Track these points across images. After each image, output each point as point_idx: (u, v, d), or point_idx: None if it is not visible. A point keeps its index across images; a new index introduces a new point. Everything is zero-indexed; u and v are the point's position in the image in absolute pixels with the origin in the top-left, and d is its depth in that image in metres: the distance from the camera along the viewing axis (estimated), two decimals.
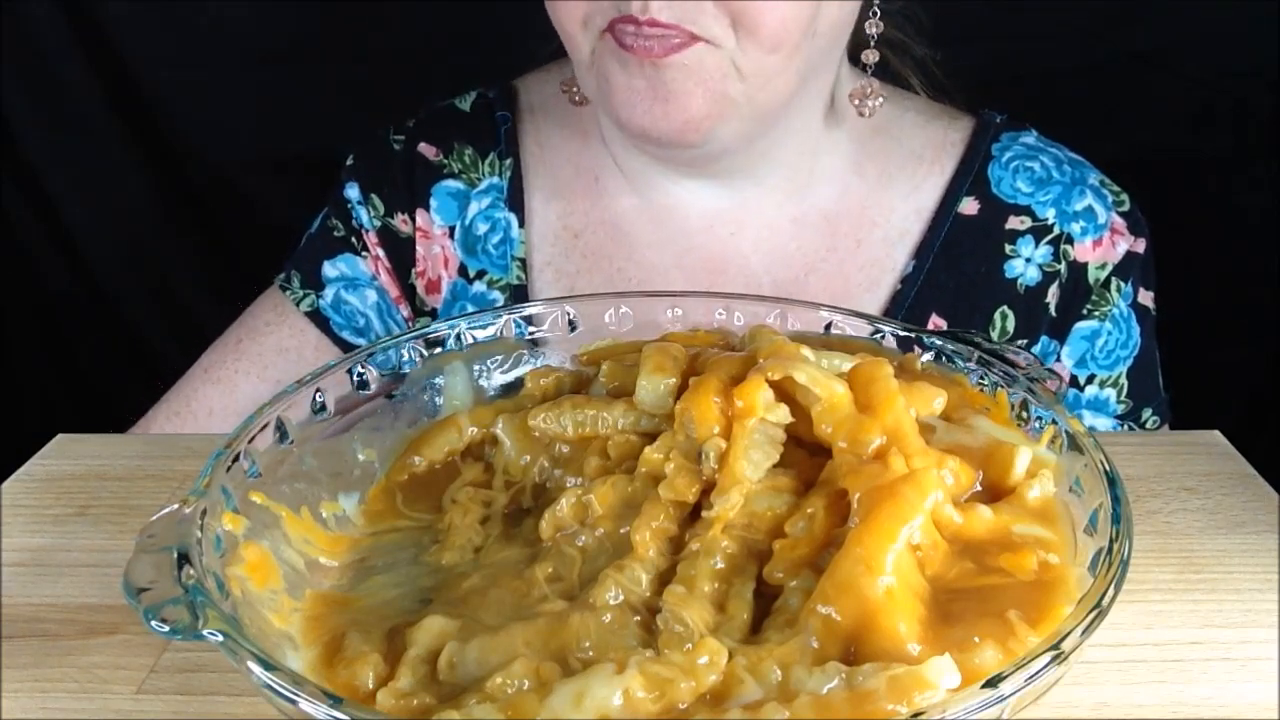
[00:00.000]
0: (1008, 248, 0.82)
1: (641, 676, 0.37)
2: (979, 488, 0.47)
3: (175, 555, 0.40)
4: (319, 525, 0.50)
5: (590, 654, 0.40)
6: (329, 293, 0.87)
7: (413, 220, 0.86)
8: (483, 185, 0.86)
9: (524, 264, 0.85)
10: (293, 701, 0.35)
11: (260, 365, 0.85)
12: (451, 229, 0.86)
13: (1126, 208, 0.83)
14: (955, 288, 0.82)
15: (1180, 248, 0.88)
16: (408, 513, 0.52)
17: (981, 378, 0.53)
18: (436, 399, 0.57)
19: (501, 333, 0.59)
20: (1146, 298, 0.84)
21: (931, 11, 0.82)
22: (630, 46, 0.67)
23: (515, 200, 0.85)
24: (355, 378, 0.54)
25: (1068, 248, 0.82)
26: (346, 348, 0.86)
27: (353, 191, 0.87)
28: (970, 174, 0.83)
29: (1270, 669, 0.47)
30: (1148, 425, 0.84)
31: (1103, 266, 0.82)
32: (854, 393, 0.46)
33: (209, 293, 1.23)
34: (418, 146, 0.87)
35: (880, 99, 0.79)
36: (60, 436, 0.65)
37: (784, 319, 0.59)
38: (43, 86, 1.13)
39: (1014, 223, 0.82)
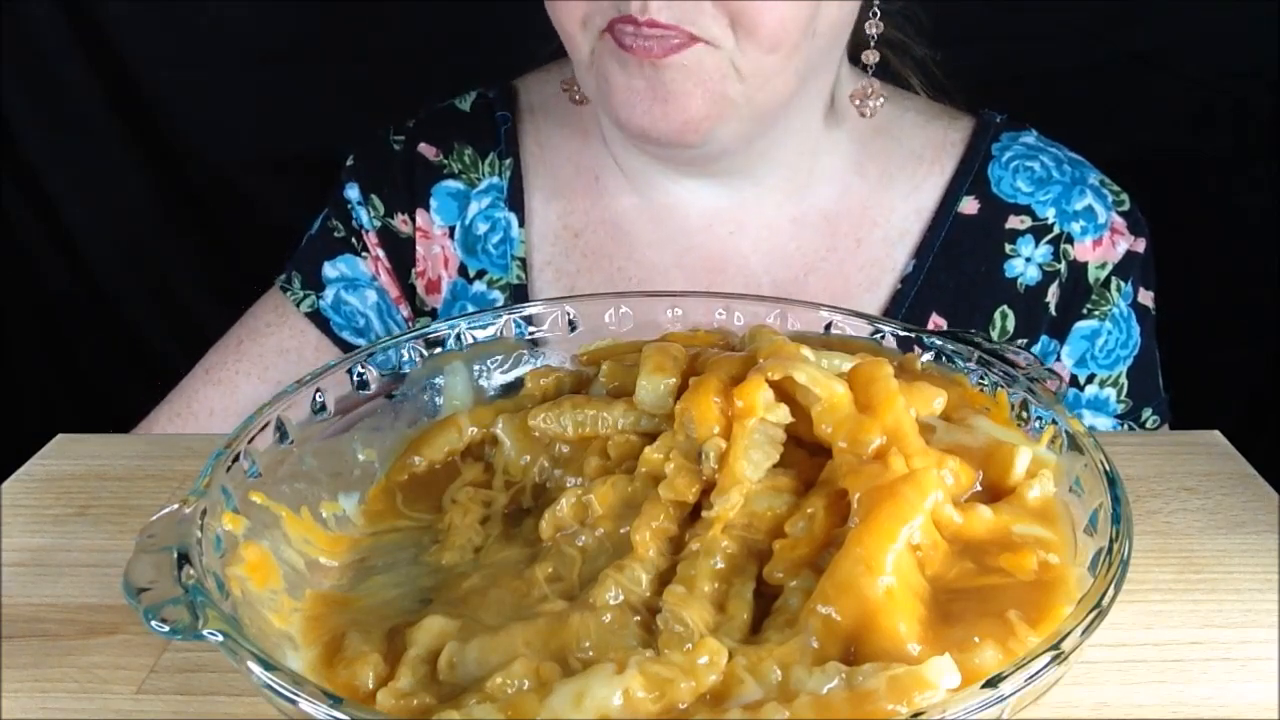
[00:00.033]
0: (1008, 247, 0.82)
1: (641, 676, 0.37)
2: (979, 488, 0.47)
3: (175, 555, 0.40)
4: (319, 525, 0.50)
5: (590, 654, 0.40)
6: (329, 293, 0.87)
7: (413, 220, 0.86)
8: (482, 185, 0.86)
9: (524, 263, 0.85)
10: (293, 701, 0.35)
11: (261, 366, 0.85)
12: (451, 229, 0.86)
13: (1126, 207, 0.83)
14: (955, 287, 0.82)
15: (1180, 248, 0.88)
16: (408, 513, 0.52)
17: (981, 378, 0.53)
18: (436, 399, 0.57)
19: (501, 333, 0.59)
20: (1146, 297, 0.84)
21: (931, 11, 0.82)
22: (629, 47, 0.67)
23: (515, 200, 0.85)
24: (355, 378, 0.54)
25: (1068, 247, 0.82)
26: (347, 348, 0.86)
27: (353, 192, 0.87)
28: (970, 174, 0.83)
29: (1270, 669, 0.47)
30: (1148, 425, 0.84)
31: (1103, 266, 0.82)
32: (854, 393, 0.46)
33: (209, 293, 1.23)
34: (418, 147, 0.87)
35: (881, 99, 0.79)
36: (60, 436, 0.65)
37: (784, 319, 0.59)
38: (43, 86, 1.13)
39: (1014, 222, 0.82)
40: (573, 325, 0.59)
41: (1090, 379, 0.83)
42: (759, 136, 0.76)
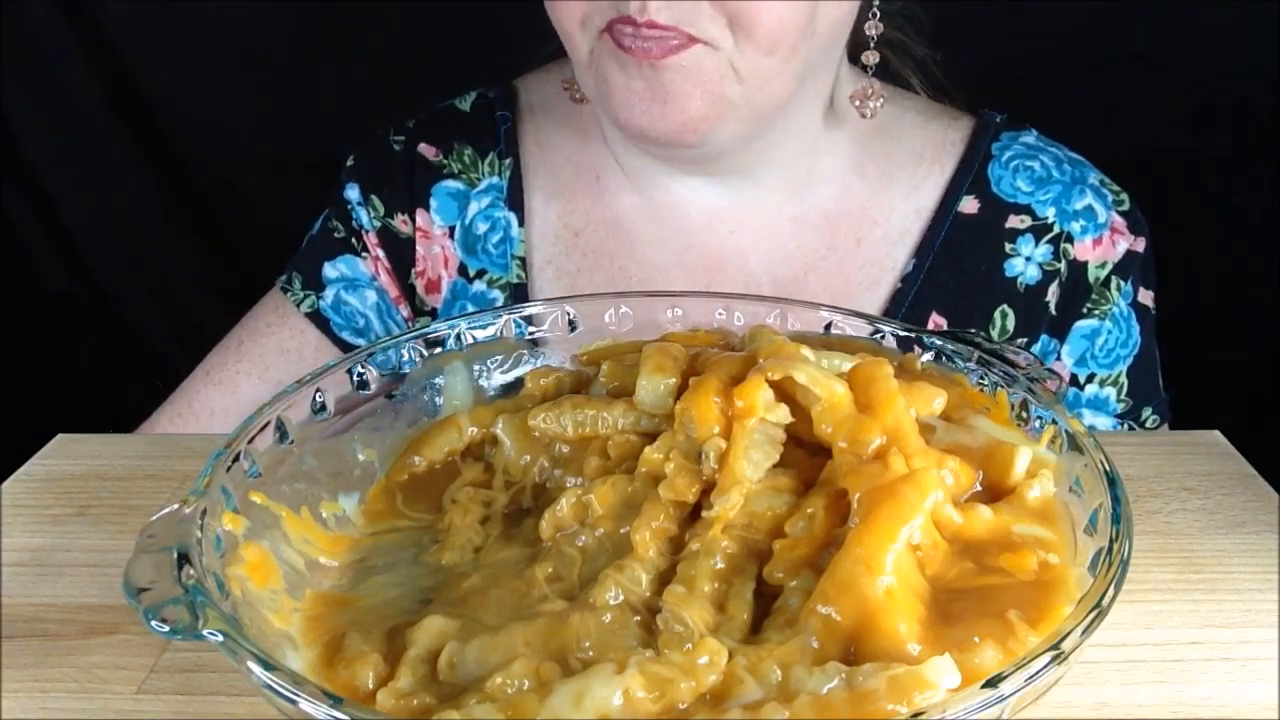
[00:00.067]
0: (1008, 246, 0.82)
1: (641, 676, 0.37)
2: (979, 488, 0.47)
3: (175, 555, 0.40)
4: (319, 525, 0.50)
5: (590, 654, 0.40)
6: (329, 293, 0.87)
7: (412, 220, 0.86)
8: (482, 185, 0.86)
9: (524, 263, 0.85)
10: (293, 701, 0.35)
11: (261, 366, 0.85)
12: (451, 229, 0.86)
13: (1126, 207, 0.83)
14: (955, 286, 0.82)
15: (1180, 248, 0.88)
16: (408, 513, 0.52)
17: (981, 378, 0.53)
18: (436, 399, 0.57)
19: (501, 333, 0.59)
20: (1146, 297, 0.84)
21: (931, 11, 0.82)
22: (628, 48, 0.67)
23: (515, 199, 0.85)
24: (355, 378, 0.54)
25: (1068, 246, 0.82)
26: (346, 348, 0.86)
27: (353, 192, 0.87)
28: (970, 173, 0.83)
29: (1270, 669, 0.47)
30: (1148, 424, 0.84)
31: (1103, 265, 0.82)
32: (854, 393, 0.46)
33: (209, 293, 1.23)
34: (418, 147, 0.87)
35: (881, 100, 0.79)
36: (60, 436, 0.65)
37: (784, 319, 0.59)
38: (43, 86, 1.13)
39: (1014, 221, 0.82)
40: (573, 325, 0.59)
41: (1090, 378, 0.83)
42: (758, 137, 0.76)
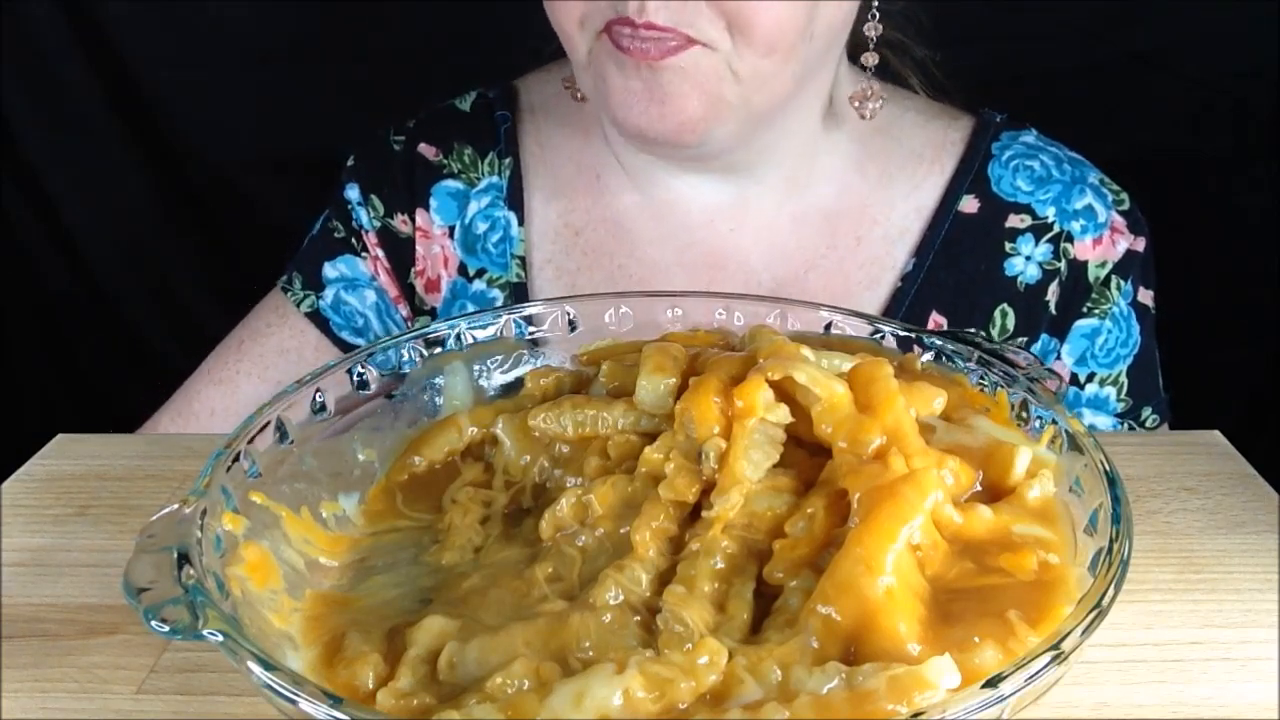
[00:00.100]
0: (1008, 246, 0.82)
1: (641, 676, 0.37)
2: (979, 488, 0.47)
3: (175, 555, 0.40)
4: (319, 525, 0.50)
5: (590, 654, 0.40)
6: (329, 293, 0.87)
7: (412, 220, 0.86)
8: (482, 185, 0.86)
9: (523, 262, 0.85)
10: (293, 701, 0.35)
11: (261, 366, 0.85)
12: (451, 229, 0.86)
13: (1126, 206, 0.83)
14: (955, 285, 0.82)
15: (1180, 248, 0.88)
16: (408, 513, 0.52)
17: (981, 378, 0.53)
18: (436, 399, 0.57)
19: (501, 333, 0.59)
20: (1146, 296, 0.84)
21: (931, 11, 0.82)
22: (626, 49, 0.67)
23: (514, 199, 0.85)
24: (355, 378, 0.54)
25: (1068, 246, 0.82)
26: (346, 348, 0.86)
27: (353, 192, 0.87)
28: (970, 172, 0.83)
29: (1270, 669, 0.47)
30: (1148, 424, 0.84)
31: (1103, 265, 0.82)
32: (854, 393, 0.46)
33: (209, 293, 1.23)
34: (417, 147, 0.87)
35: (881, 101, 0.79)
36: (60, 436, 0.65)
37: (784, 319, 0.59)
38: (43, 86, 1.13)
39: (1014, 221, 0.82)
40: (573, 325, 0.59)
41: (1090, 377, 0.83)
42: (756, 137, 0.76)
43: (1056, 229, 0.82)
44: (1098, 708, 0.45)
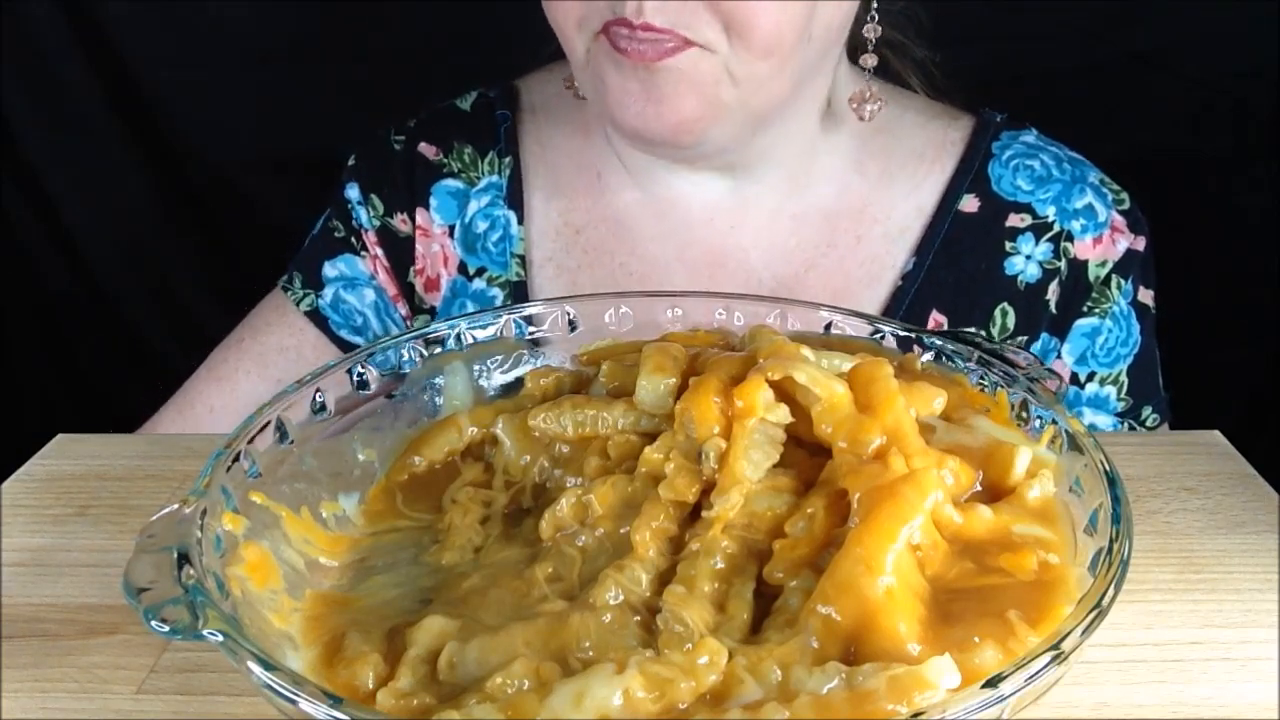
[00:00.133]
0: (1008, 245, 0.82)
1: (641, 676, 0.37)
2: (979, 488, 0.47)
3: (175, 555, 0.40)
4: (319, 525, 0.50)
5: (590, 654, 0.40)
6: (328, 292, 0.87)
7: (412, 220, 0.86)
8: (482, 184, 0.86)
9: (523, 261, 0.85)
10: (293, 701, 0.35)
11: (261, 364, 0.86)
12: (451, 228, 0.86)
13: (1126, 206, 0.83)
14: (956, 284, 0.82)
15: (1180, 248, 0.88)
16: (408, 513, 0.52)
17: (981, 378, 0.53)
18: (436, 399, 0.57)
19: (501, 333, 0.59)
20: (1146, 296, 0.84)
21: (931, 12, 0.82)
22: (624, 50, 0.68)
23: (514, 198, 0.85)
24: (355, 378, 0.54)
25: (1068, 245, 0.82)
26: (345, 346, 0.87)
27: (353, 192, 0.87)
28: (971, 172, 0.83)
29: (1270, 669, 0.47)
30: (1148, 423, 0.84)
31: (1103, 264, 0.82)
32: (854, 393, 0.46)
33: (209, 293, 1.23)
34: (418, 146, 0.87)
35: (880, 103, 0.79)
36: (60, 436, 0.65)
37: (784, 319, 0.59)
38: (43, 86, 1.13)
39: (1014, 220, 0.82)
40: (573, 325, 0.59)
41: (1090, 377, 0.83)
42: (754, 138, 0.77)
43: (1057, 228, 0.82)
44: (1098, 708, 0.45)
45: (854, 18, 0.75)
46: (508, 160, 0.86)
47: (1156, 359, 0.85)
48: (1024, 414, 0.51)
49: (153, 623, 0.38)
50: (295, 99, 1.12)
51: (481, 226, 0.86)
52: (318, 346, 0.86)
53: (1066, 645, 0.37)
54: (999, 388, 0.52)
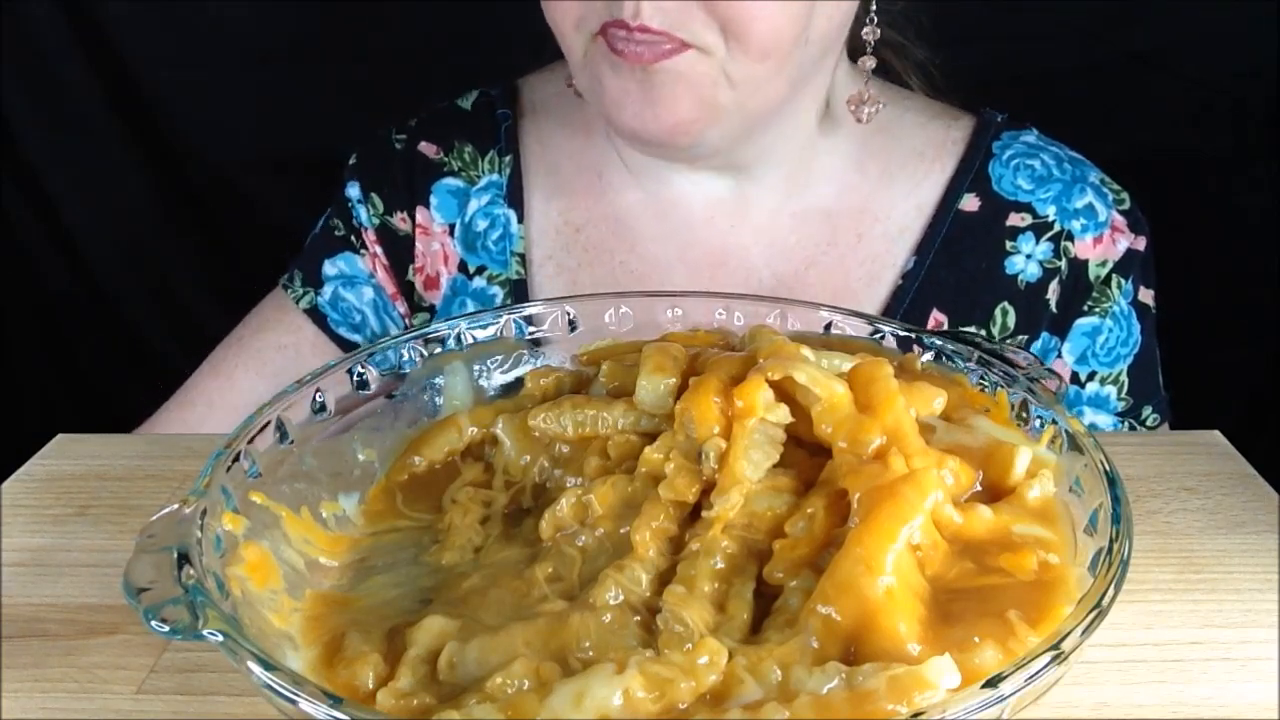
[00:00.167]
0: (1008, 244, 0.82)
1: (641, 676, 0.37)
2: (979, 488, 0.47)
3: (175, 555, 0.40)
4: (319, 525, 0.50)
5: (590, 654, 0.40)
6: (327, 290, 0.87)
7: (412, 218, 0.87)
8: (482, 182, 0.86)
9: (523, 259, 0.85)
10: (293, 701, 0.35)
11: (259, 360, 0.86)
12: (452, 226, 0.86)
13: (1127, 206, 0.83)
14: (956, 284, 0.82)
15: (1180, 248, 0.88)
16: (408, 513, 0.52)
17: (981, 378, 0.53)
18: (436, 399, 0.57)
19: (501, 333, 0.59)
20: (1147, 296, 0.84)
21: (931, 12, 0.82)
22: (621, 51, 0.68)
23: (514, 197, 0.85)
24: (355, 378, 0.54)
25: (1068, 244, 0.82)
26: (343, 344, 0.87)
27: (353, 190, 0.87)
28: (971, 171, 0.83)
29: (1270, 669, 0.47)
30: (1148, 423, 0.84)
31: (1103, 263, 0.82)
32: (854, 393, 0.46)
33: (209, 293, 1.23)
34: (418, 145, 0.87)
35: (878, 106, 0.79)
36: (60, 436, 0.65)
37: (784, 319, 0.59)
38: (43, 86, 1.13)
39: (1014, 219, 0.82)
40: (573, 325, 0.59)
41: (1091, 376, 0.83)
42: (752, 139, 0.77)
43: (1057, 228, 0.82)
44: (1098, 708, 0.45)
45: (854, 18, 0.75)
46: (508, 159, 0.86)
47: (1157, 359, 0.85)
48: (1024, 414, 0.51)
49: (153, 623, 0.38)
50: (295, 99, 1.12)
51: (481, 225, 0.86)
52: (316, 344, 0.87)
53: (1066, 645, 0.37)
54: (999, 388, 0.52)
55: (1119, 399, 0.83)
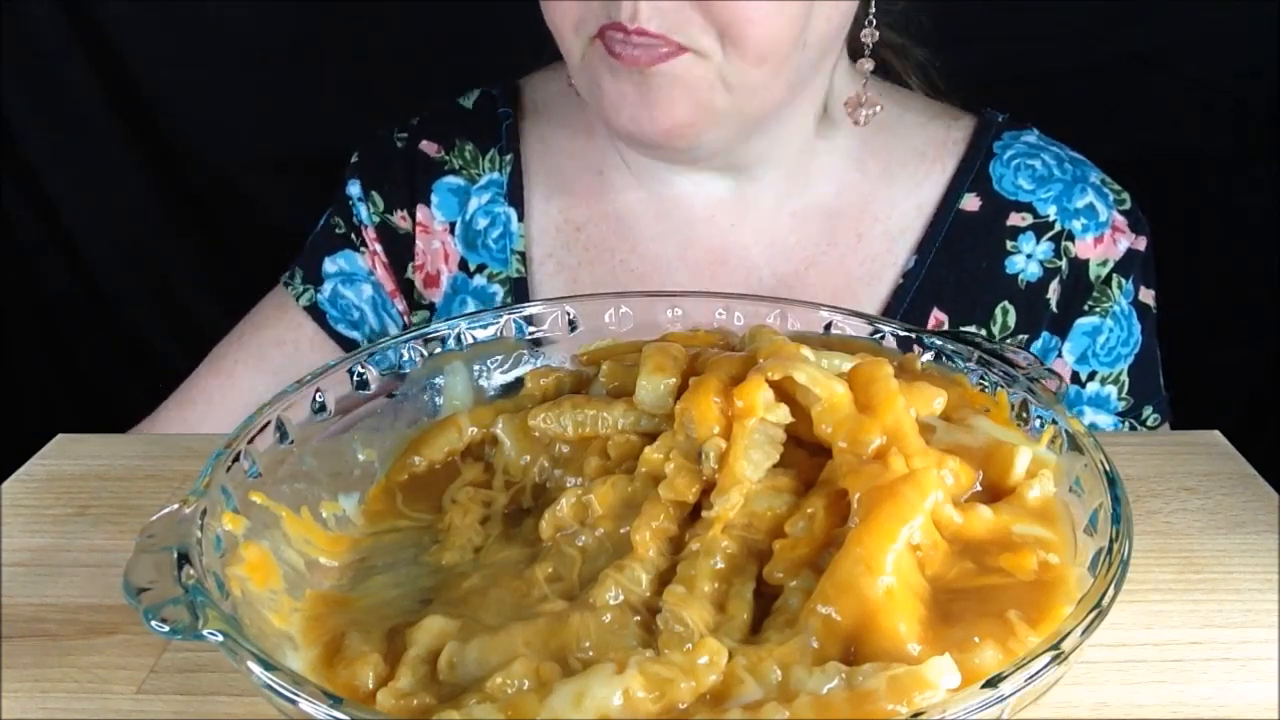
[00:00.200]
0: (1009, 244, 0.82)
1: (641, 676, 0.37)
2: (979, 488, 0.47)
3: (175, 555, 0.40)
4: (319, 525, 0.50)
5: (590, 654, 0.40)
6: (327, 287, 0.88)
7: (412, 217, 0.87)
8: (483, 181, 0.87)
9: (523, 257, 0.85)
10: (293, 701, 0.35)
11: (259, 357, 0.86)
12: (452, 224, 0.86)
13: (1127, 206, 0.83)
14: (956, 283, 0.82)
15: (1180, 248, 0.88)
16: (408, 513, 0.52)
17: (981, 378, 0.53)
18: (436, 399, 0.57)
19: (501, 333, 0.59)
20: (1147, 296, 0.84)
21: (931, 12, 0.82)
22: (618, 54, 0.68)
23: (515, 195, 0.86)
24: (355, 378, 0.54)
25: (1069, 244, 0.82)
26: (342, 340, 0.87)
27: (354, 188, 0.87)
28: (972, 171, 0.83)
29: (1270, 669, 0.47)
30: (1149, 423, 0.84)
31: (1104, 263, 0.82)
32: (854, 393, 0.46)
33: (209, 293, 1.23)
34: (419, 144, 0.87)
35: (875, 109, 0.79)
36: (60, 436, 0.65)
37: (784, 319, 0.59)
38: (43, 86, 1.13)
39: (1015, 219, 0.82)
40: (573, 325, 0.59)
41: (1091, 376, 0.83)
42: (751, 141, 0.77)
43: (1058, 227, 0.82)
44: (1098, 708, 0.45)
45: (854, 19, 0.75)
46: (508, 158, 0.86)
47: (1158, 359, 0.85)
48: (1024, 414, 0.51)
49: (153, 623, 0.38)
50: (295, 99, 1.12)
51: (482, 223, 0.86)
52: (315, 341, 0.87)
53: (1066, 645, 0.37)
54: (999, 388, 0.52)
55: (1119, 399, 0.83)
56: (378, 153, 0.88)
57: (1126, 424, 0.83)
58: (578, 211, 0.85)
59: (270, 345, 0.87)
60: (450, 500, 0.52)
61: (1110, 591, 0.39)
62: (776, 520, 0.45)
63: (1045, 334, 0.82)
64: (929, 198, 0.83)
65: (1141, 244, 0.83)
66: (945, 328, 0.81)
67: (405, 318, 0.88)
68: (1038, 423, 0.50)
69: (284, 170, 1.15)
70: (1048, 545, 0.44)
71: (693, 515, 0.46)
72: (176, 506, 0.43)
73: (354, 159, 0.89)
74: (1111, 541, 0.41)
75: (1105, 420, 0.83)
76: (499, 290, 0.85)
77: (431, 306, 0.87)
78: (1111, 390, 0.83)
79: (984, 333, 0.82)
